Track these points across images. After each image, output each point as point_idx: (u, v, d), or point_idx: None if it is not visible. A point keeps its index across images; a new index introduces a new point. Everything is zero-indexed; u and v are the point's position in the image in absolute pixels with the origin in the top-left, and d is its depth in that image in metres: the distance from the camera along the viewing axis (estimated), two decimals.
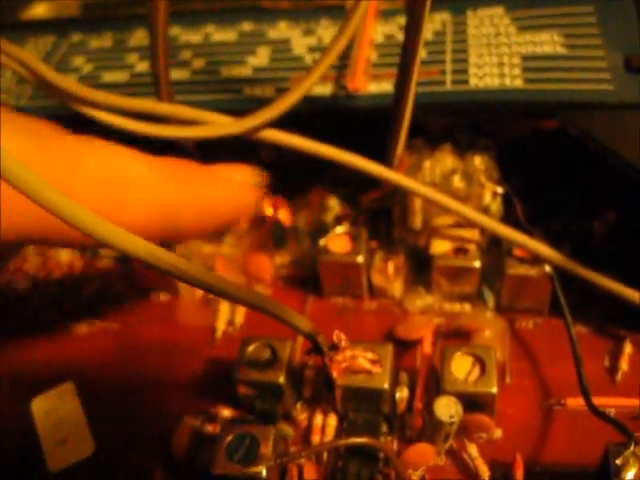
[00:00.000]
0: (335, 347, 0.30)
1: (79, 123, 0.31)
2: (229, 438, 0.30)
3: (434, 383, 0.33)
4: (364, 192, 0.40)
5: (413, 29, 0.30)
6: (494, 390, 0.31)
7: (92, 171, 0.27)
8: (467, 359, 0.32)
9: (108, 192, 0.27)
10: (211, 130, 0.33)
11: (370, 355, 0.31)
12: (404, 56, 0.31)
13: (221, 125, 0.33)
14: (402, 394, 0.32)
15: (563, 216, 0.38)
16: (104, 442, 0.34)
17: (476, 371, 0.31)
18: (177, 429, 0.34)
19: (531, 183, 0.39)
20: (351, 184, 0.40)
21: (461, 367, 0.31)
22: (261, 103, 0.35)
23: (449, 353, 0.32)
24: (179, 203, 0.30)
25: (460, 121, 0.37)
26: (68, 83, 0.33)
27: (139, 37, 0.43)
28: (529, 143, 0.39)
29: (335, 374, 0.31)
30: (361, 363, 0.31)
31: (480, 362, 0.31)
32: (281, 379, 0.32)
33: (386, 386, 0.31)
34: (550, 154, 0.39)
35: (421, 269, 0.38)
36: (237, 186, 0.33)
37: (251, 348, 0.33)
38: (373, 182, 0.37)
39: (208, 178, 0.32)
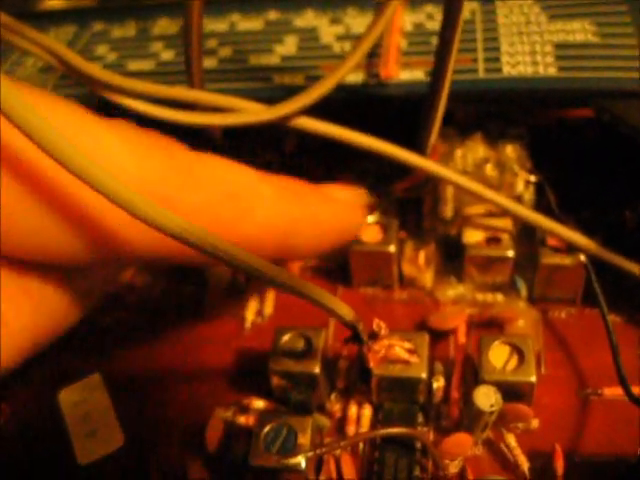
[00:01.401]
0: (375, 335, 0.29)
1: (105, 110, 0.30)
2: (266, 429, 0.29)
3: (471, 373, 0.33)
4: (393, 181, 0.39)
5: (451, 16, 0.29)
6: (533, 379, 0.30)
7: (208, 187, 0.26)
8: (504, 348, 0.31)
9: (225, 208, 0.26)
10: (243, 117, 0.32)
11: (407, 344, 0.31)
12: (441, 45, 0.30)
13: (253, 112, 0.32)
14: (439, 384, 0.32)
15: (594, 205, 0.38)
16: (134, 434, 0.33)
17: (514, 360, 0.31)
18: (209, 421, 0.33)
19: (562, 172, 0.38)
20: (377, 175, 0.40)
21: (499, 356, 0.31)
22: (291, 91, 0.35)
23: (486, 342, 0.31)
24: (294, 221, 0.29)
25: (490, 110, 0.37)
26: (98, 70, 0.32)
27: (163, 25, 0.42)
28: (559, 131, 0.39)
29: (372, 364, 0.30)
30: (398, 352, 0.31)
31: (517, 351, 0.31)
32: (317, 369, 0.31)
33: (424, 375, 0.31)
34: (581, 142, 0.39)
35: (452, 259, 0.37)
36: (347, 206, 0.33)
37: (285, 338, 0.32)
38: (400, 172, 0.37)
39: (320, 197, 0.32)
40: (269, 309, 0.38)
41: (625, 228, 0.37)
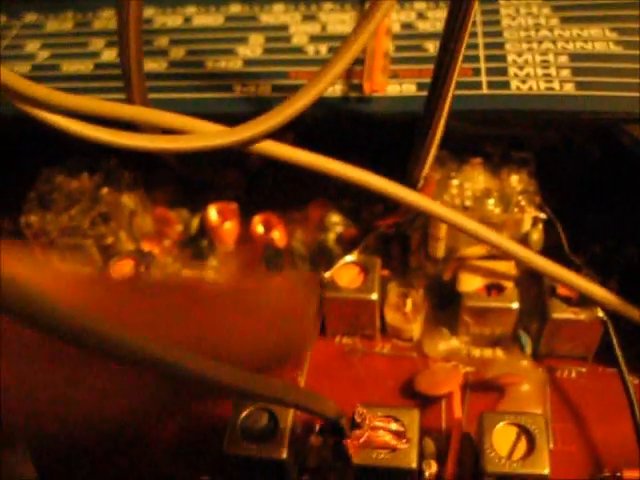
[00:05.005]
0: (356, 426, 0.24)
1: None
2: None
3: (469, 455, 0.27)
4: (375, 204, 0.34)
5: (458, 19, 0.23)
6: (546, 472, 0.25)
7: None
8: (511, 429, 0.26)
9: None
10: (196, 141, 0.26)
11: (394, 426, 0.25)
12: (442, 54, 0.24)
13: (209, 135, 0.26)
14: (430, 470, 0.27)
15: (608, 238, 0.33)
16: None
17: (522, 446, 0.26)
18: None
19: (569, 199, 0.33)
20: (357, 196, 0.34)
21: (504, 441, 0.26)
22: (255, 104, 0.29)
23: (489, 423, 0.26)
24: None
25: (492, 130, 0.31)
26: (13, 78, 0.26)
27: (105, 18, 0.36)
28: (565, 154, 0.34)
29: (351, 451, 0.25)
30: (383, 437, 0.25)
31: (526, 433, 0.26)
32: (284, 454, 0.26)
33: (414, 465, 0.25)
34: (591, 166, 0.33)
35: (444, 306, 0.32)
36: None
37: (245, 414, 0.26)
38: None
39: None
40: None
41: None
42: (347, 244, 0.34)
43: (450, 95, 0.25)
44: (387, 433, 0.25)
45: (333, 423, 0.22)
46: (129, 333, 0.15)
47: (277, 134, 0.26)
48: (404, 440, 0.25)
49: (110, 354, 0.15)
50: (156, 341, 0.15)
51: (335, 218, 0.34)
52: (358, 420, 0.23)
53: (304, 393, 0.21)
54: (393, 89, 0.30)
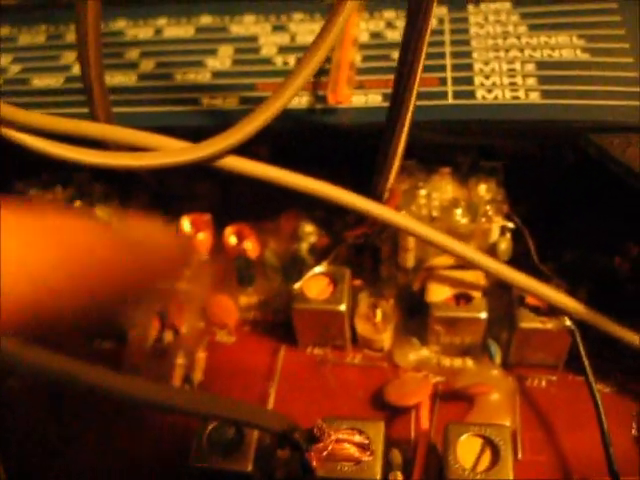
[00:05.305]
0: (315, 439, 0.24)
1: None
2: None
3: (434, 467, 0.27)
4: (344, 217, 0.34)
5: (416, 26, 0.23)
6: None
7: None
8: (476, 442, 0.26)
9: None
10: (160, 158, 0.26)
11: (357, 438, 0.25)
12: (402, 63, 0.24)
13: (172, 152, 0.26)
14: None
15: (578, 248, 0.33)
16: None
17: (486, 457, 0.26)
18: None
19: (539, 207, 0.33)
20: (328, 205, 0.34)
21: (469, 452, 0.26)
22: (221, 117, 0.29)
23: (454, 434, 0.26)
24: None
25: (459, 140, 0.31)
26: None
27: None
28: (536, 161, 0.33)
29: (315, 463, 0.25)
30: (347, 450, 0.25)
31: (491, 445, 0.26)
32: (250, 467, 0.26)
33: (378, 478, 0.25)
34: (562, 174, 0.33)
35: (414, 315, 0.32)
36: None
37: (211, 427, 0.26)
38: None
39: None
40: (199, 374, 0.32)
41: (615, 276, 0.32)
42: (320, 254, 0.33)
43: (411, 107, 0.25)
44: (351, 445, 0.25)
45: (284, 437, 0.22)
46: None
47: (251, 149, 0.26)
48: (368, 452, 0.25)
49: None
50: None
51: (308, 228, 0.34)
52: (317, 434, 0.23)
53: (250, 409, 0.21)
54: (358, 100, 0.30)
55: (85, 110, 0.29)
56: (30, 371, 0.15)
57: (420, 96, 0.28)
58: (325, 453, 0.25)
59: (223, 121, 0.30)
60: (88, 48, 0.25)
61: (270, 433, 0.22)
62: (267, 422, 0.21)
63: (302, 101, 0.30)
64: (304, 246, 0.34)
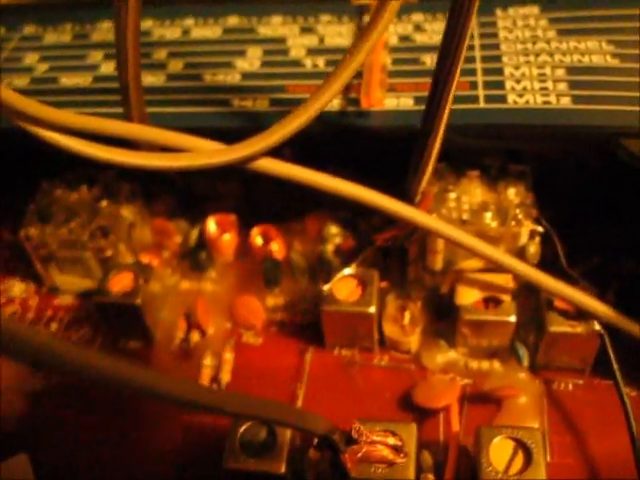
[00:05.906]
0: (353, 441, 0.24)
1: None
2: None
3: (466, 468, 0.27)
4: (370, 218, 0.34)
5: (455, 36, 0.23)
6: None
7: None
8: (508, 443, 0.26)
9: None
10: (194, 159, 0.26)
11: (391, 440, 0.26)
12: (439, 69, 0.24)
13: (209, 153, 0.26)
14: None
15: (605, 252, 0.33)
16: None
17: (519, 459, 0.26)
18: None
19: (566, 211, 0.33)
20: (354, 207, 0.34)
21: (501, 454, 0.26)
22: (252, 118, 0.29)
23: (486, 437, 0.26)
24: None
25: (489, 143, 0.31)
26: (10, 96, 0.26)
27: (104, 30, 0.36)
28: (563, 166, 0.34)
29: (349, 466, 0.25)
30: (381, 452, 0.25)
31: (523, 447, 0.26)
32: (282, 468, 0.26)
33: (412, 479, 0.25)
34: (590, 179, 0.33)
35: (442, 318, 0.32)
36: None
37: (243, 428, 0.27)
38: None
39: None
40: (227, 375, 0.32)
41: None
42: (345, 255, 0.34)
43: (447, 111, 0.25)
44: (385, 447, 0.25)
45: (325, 439, 0.22)
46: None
47: (274, 150, 0.27)
48: (402, 454, 0.25)
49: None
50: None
51: (333, 229, 0.34)
52: (355, 436, 0.24)
53: (294, 412, 0.21)
54: (390, 103, 0.30)
55: (115, 109, 0.29)
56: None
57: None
58: (359, 455, 0.25)
59: (254, 123, 0.30)
60: (127, 48, 0.25)
61: (315, 435, 0.22)
62: (311, 424, 0.21)
63: (334, 104, 0.30)
64: (329, 247, 0.34)
